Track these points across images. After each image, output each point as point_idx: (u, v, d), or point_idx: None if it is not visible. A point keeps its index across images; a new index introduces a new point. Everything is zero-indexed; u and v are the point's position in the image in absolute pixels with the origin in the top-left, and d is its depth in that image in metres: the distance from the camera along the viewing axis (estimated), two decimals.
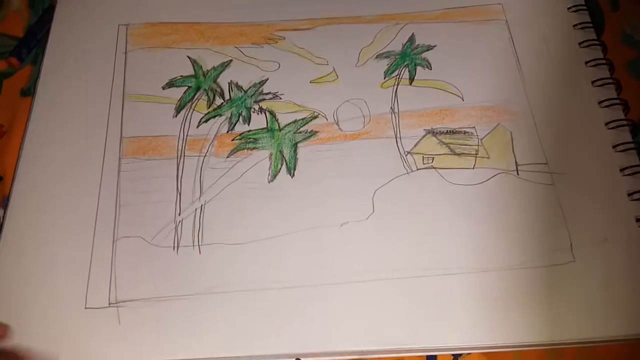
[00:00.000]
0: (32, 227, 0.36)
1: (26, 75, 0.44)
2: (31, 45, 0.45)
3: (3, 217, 0.37)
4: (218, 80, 0.42)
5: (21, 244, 0.36)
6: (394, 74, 0.42)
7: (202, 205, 0.37)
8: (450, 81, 0.41)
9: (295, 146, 0.39)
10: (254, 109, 0.40)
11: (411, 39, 0.43)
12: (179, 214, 0.36)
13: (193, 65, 0.42)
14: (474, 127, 0.40)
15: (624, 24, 0.45)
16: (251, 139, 0.39)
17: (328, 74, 0.42)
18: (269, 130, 0.40)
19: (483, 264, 0.35)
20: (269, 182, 0.37)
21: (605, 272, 0.34)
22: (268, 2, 0.45)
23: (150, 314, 0.33)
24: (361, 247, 0.35)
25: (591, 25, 0.43)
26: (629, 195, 0.37)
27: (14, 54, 0.44)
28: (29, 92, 0.43)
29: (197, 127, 0.39)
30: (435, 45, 0.43)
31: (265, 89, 0.41)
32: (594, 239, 0.35)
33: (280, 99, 0.41)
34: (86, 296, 0.34)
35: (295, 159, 0.38)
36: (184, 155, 0.38)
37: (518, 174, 0.38)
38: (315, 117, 0.40)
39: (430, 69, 0.42)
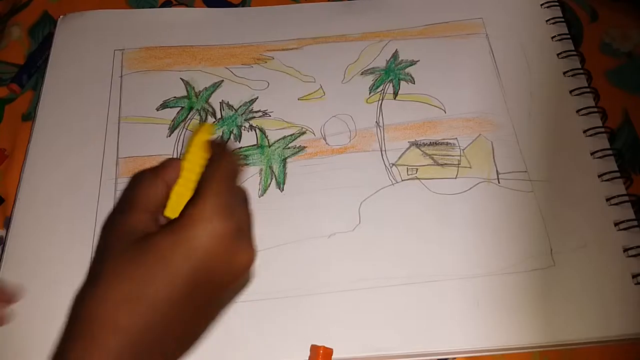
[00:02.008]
0: (33, 247, 0.38)
1: (27, 100, 0.46)
2: (31, 71, 0.47)
3: (5, 237, 0.38)
4: (210, 100, 0.43)
5: (22, 263, 0.37)
6: (378, 89, 0.43)
7: None
8: (433, 94, 0.43)
9: (284, 161, 0.40)
10: (245, 126, 0.42)
11: (395, 55, 0.45)
12: None
13: (186, 87, 0.44)
14: (456, 138, 0.41)
15: (603, 33, 0.47)
16: (242, 156, 0.41)
17: (315, 91, 0.43)
18: (259, 146, 0.41)
19: (466, 270, 0.36)
20: (259, 197, 0.39)
21: (584, 276, 0.36)
22: (257, 23, 0.47)
23: None
24: (349, 257, 0.37)
25: (569, 36, 0.45)
26: (607, 200, 0.38)
27: (15, 80, 0.46)
28: (29, 116, 0.44)
29: None
30: (418, 60, 0.45)
31: (255, 107, 0.43)
32: (574, 243, 0.37)
33: (270, 116, 0.42)
34: None
35: (285, 174, 0.40)
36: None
37: (499, 183, 0.39)
38: (303, 133, 0.42)
39: (414, 83, 0.44)
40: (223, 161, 0.28)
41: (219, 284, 0.27)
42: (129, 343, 0.24)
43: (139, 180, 0.28)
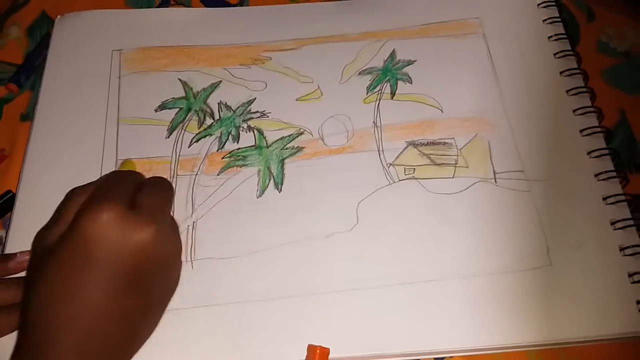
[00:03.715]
0: None
1: (25, 100, 0.46)
2: (29, 71, 0.47)
3: (5, 238, 0.39)
4: (208, 101, 0.43)
5: None
6: (376, 89, 0.44)
7: (194, 222, 0.38)
8: (430, 94, 0.43)
9: (282, 162, 0.41)
10: (243, 127, 0.42)
11: (392, 55, 0.45)
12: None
13: (184, 87, 0.44)
14: (453, 137, 0.41)
15: (600, 33, 0.47)
16: (240, 157, 0.41)
17: (313, 92, 0.44)
18: (257, 147, 0.41)
19: (463, 270, 0.36)
20: (257, 198, 0.39)
21: (581, 275, 0.36)
22: (254, 24, 0.47)
23: None
24: (346, 257, 0.37)
25: (565, 36, 0.45)
26: (604, 199, 0.38)
27: (13, 80, 0.46)
28: (28, 116, 0.45)
29: (189, 147, 0.41)
30: (415, 60, 0.45)
31: (253, 108, 0.43)
32: (570, 242, 0.37)
33: (268, 117, 0.43)
34: None
35: (283, 175, 0.40)
36: (177, 175, 0.40)
37: (496, 182, 0.39)
38: (301, 133, 0.42)
39: (411, 83, 0.44)
40: (115, 171, 0.33)
41: (127, 265, 0.28)
42: (68, 343, 0.27)
43: (70, 196, 0.31)
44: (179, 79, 0.44)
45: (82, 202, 0.29)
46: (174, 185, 0.39)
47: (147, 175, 0.39)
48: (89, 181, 0.39)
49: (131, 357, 0.30)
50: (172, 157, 0.41)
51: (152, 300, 0.31)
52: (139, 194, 0.30)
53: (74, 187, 0.32)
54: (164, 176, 0.40)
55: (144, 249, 0.28)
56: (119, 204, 0.28)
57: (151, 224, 0.28)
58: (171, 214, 0.33)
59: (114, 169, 0.40)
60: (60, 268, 0.27)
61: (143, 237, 0.28)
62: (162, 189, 0.32)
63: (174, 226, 0.32)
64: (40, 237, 0.30)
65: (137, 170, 0.37)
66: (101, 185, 0.30)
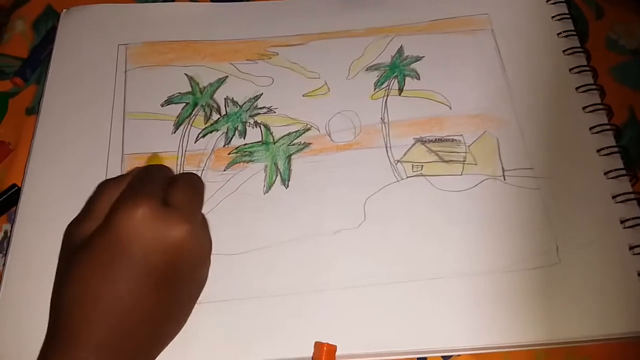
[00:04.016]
0: (39, 242, 0.38)
1: (30, 94, 0.46)
2: (35, 65, 0.47)
3: (10, 232, 0.38)
4: (214, 96, 0.43)
5: (28, 258, 0.37)
6: (383, 85, 0.43)
7: None
8: (439, 91, 0.43)
9: (289, 158, 0.40)
10: (249, 123, 0.42)
11: (400, 51, 0.45)
12: None
13: (190, 83, 0.44)
14: (462, 134, 0.41)
15: (609, 30, 0.47)
16: (247, 152, 0.41)
17: (320, 87, 0.43)
18: (264, 143, 0.41)
19: (471, 267, 0.36)
20: (264, 194, 0.39)
21: (590, 273, 0.36)
22: (261, 19, 0.47)
23: None
24: (354, 254, 0.37)
25: (575, 33, 0.44)
26: (613, 197, 0.38)
27: (18, 74, 0.46)
28: (33, 110, 0.44)
29: (195, 142, 0.41)
30: (423, 56, 0.44)
31: (260, 103, 0.43)
32: (579, 241, 0.37)
33: (275, 112, 0.42)
34: None
35: (289, 170, 0.40)
36: (183, 170, 0.40)
37: (505, 180, 0.39)
38: (308, 129, 0.41)
39: (419, 80, 0.43)
40: (146, 166, 0.32)
41: (160, 263, 0.28)
42: (95, 340, 0.26)
43: (99, 189, 0.30)
44: (185, 73, 0.44)
45: (115, 197, 0.29)
46: None
47: None
48: (94, 175, 0.40)
49: (157, 354, 0.30)
50: (178, 152, 0.41)
51: (181, 298, 0.30)
52: (172, 190, 0.29)
53: (105, 180, 0.31)
54: None
55: (177, 247, 0.28)
56: (154, 201, 0.28)
57: (185, 222, 0.28)
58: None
59: (120, 163, 0.40)
60: (92, 264, 0.27)
61: (177, 235, 0.28)
62: (194, 185, 0.31)
63: (205, 224, 0.32)
64: (71, 231, 0.29)
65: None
66: (134, 181, 0.30)
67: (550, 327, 0.34)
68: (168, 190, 0.29)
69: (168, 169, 0.32)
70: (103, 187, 0.30)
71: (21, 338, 0.35)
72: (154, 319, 0.29)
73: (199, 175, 0.39)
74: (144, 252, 0.27)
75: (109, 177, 0.32)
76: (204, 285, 0.33)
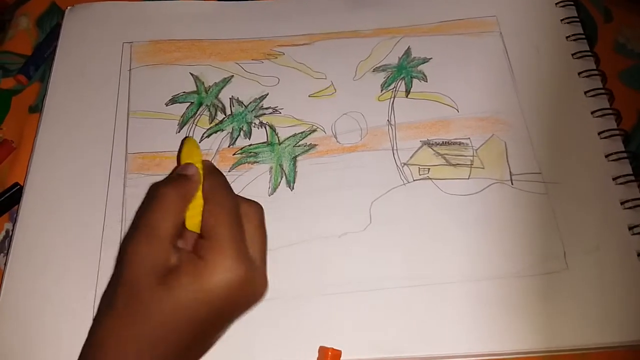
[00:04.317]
0: (40, 241, 0.37)
1: (34, 92, 0.45)
2: (38, 62, 0.46)
3: (12, 231, 0.38)
4: (220, 96, 0.43)
5: (30, 257, 0.37)
6: (390, 87, 0.43)
7: None
8: (446, 93, 0.42)
9: (294, 159, 0.40)
10: (255, 123, 0.42)
11: (407, 52, 0.44)
12: None
13: (195, 82, 0.43)
14: (469, 137, 0.41)
15: (618, 34, 0.46)
16: (252, 153, 0.40)
17: (326, 88, 0.43)
18: (269, 144, 0.41)
19: (478, 272, 0.36)
20: (269, 195, 0.39)
21: (598, 280, 0.35)
22: (267, 18, 0.46)
23: None
24: (359, 258, 0.36)
25: (584, 36, 0.44)
26: (622, 203, 0.38)
27: (22, 71, 0.46)
28: (36, 108, 0.44)
29: (200, 142, 0.41)
30: (430, 58, 0.44)
31: (265, 103, 0.42)
32: (587, 247, 0.36)
33: (280, 113, 0.42)
34: (94, 308, 0.35)
35: (295, 172, 0.39)
36: None
37: (512, 184, 0.39)
38: (314, 130, 0.41)
39: (426, 81, 0.43)
40: (222, 190, 0.30)
41: (233, 318, 0.29)
42: None
43: (163, 204, 0.28)
44: (190, 73, 0.44)
45: (181, 213, 0.28)
46: None
47: (159, 169, 0.39)
48: (98, 175, 0.39)
49: None
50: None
51: (224, 332, 0.30)
52: (249, 236, 0.29)
53: (157, 184, 0.30)
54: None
55: (250, 305, 0.29)
56: (249, 261, 0.28)
57: (266, 283, 0.29)
58: None
59: (124, 162, 0.40)
60: (177, 311, 0.26)
61: (259, 296, 0.29)
62: (264, 226, 0.31)
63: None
64: (141, 253, 0.27)
65: (138, 167, 0.37)
66: (231, 236, 0.28)
67: (557, 333, 0.34)
68: (245, 231, 0.29)
69: (231, 189, 0.31)
70: (164, 199, 0.28)
71: (23, 337, 0.35)
72: (194, 355, 0.29)
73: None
74: (225, 310, 0.28)
75: (159, 180, 0.30)
76: None
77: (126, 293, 0.27)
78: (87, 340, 0.29)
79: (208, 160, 0.32)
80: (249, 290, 0.28)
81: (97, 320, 0.29)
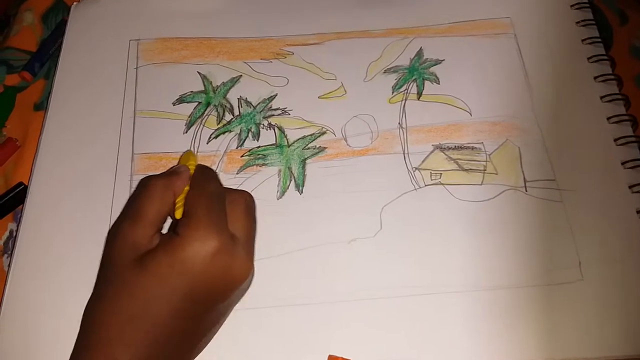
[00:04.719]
0: (45, 242, 0.37)
1: (39, 89, 0.44)
2: (43, 59, 0.45)
3: (16, 231, 0.37)
4: (228, 96, 0.42)
5: (34, 258, 0.36)
6: (402, 89, 0.42)
7: None
8: (459, 96, 0.42)
9: (303, 162, 0.39)
10: (263, 124, 0.41)
11: (419, 53, 0.43)
12: None
13: (203, 81, 0.43)
14: (482, 142, 0.40)
15: (633, 37, 0.45)
16: (260, 155, 0.39)
17: (336, 89, 0.42)
18: (278, 146, 0.40)
19: (490, 281, 0.35)
20: (277, 199, 0.38)
21: (614, 291, 0.34)
22: (277, 17, 0.45)
23: None
24: (369, 265, 0.35)
25: (600, 40, 0.43)
26: (638, 212, 0.37)
27: (26, 68, 0.45)
28: (41, 106, 0.43)
29: (207, 143, 0.40)
30: (443, 60, 0.43)
31: (274, 104, 0.42)
32: (603, 257, 0.35)
33: (289, 114, 0.41)
34: None
35: (304, 176, 0.39)
36: None
37: (526, 191, 0.38)
38: (324, 133, 0.40)
39: (439, 84, 0.42)
40: (207, 180, 0.30)
41: (216, 295, 0.28)
42: (134, 356, 0.26)
43: (150, 191, 0.29)
44: (198, 72, 0.43)
45: (168, 201, 0.29)
46: None
47: (163, 170, 0.39)
48: (103, 174, 0.39)
49: None
50: None
51: (218, 324, 0.31)
52: (233, 217, 0.29)
53: (149, 177, 0.30)
54: None
55: (236, 283, 0.29)
56: (226, 235, 0.28)
57: (248, 261, 0.29)
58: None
59: (130, 162, 0.39)
60: (155, 287, 0.27)
61: (240, 274, 0.28)
62: (252, 211, 0.31)
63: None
64: (123, 236, 0.28)
65: (145, 168, 0.37)
66: (201, 201, 0.29)
67: (571, 346, 0.33)
68: (229, 215, 0.29)
69: (219, 181, 0.32)
70: (153, 188, 0.29)
71: (27, 338, 0.34)
72: (190, 342, 0.29)
73: None
74: (206, 284, 0.27)
75: (152, 174, 0.31)
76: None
77: (108, 274, 0.28)
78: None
79: (203, 164, 0.33)
80: (228, 262, 0.28)
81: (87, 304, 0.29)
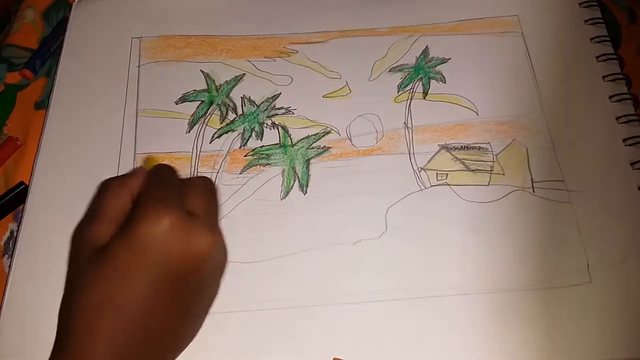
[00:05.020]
0: (46, 242, 0.36)
1: (40, 87, 0.44)
2: (45, 57, 0.45)
3: (17, 231, 0.37)
4: (231, 94, 0.41)
5: (35, 258, 0.36)
6: (407, 88, 0.41)
7: None
8: (465, 95, 0.41)
9: (307, 162, 0.39)
10: (267, 124, 0.40)
11: (425, 52, 0.43)
12: None
13: (206, 80, 0.42)
14: (489, 142, 0.39)
15: None
16: (264, 155, 0.39)
17: (341, 88, 0.42)
18: (282, 146, 0.39)
19: (497, 283, 0.34)
20: (281, 199, 0.37)
21: (623, 293, 0.34)
22: (281, 14, 0.45)
23: None
24: (374, 266, 0.35)
25: (608, 38, 0.42)
26: None
27: (27, 66, 0.44)
28: (42, 104, 0.43)
29: (210, 142, 0.39)
30: (449, 58, 0.43)
31: (278, 103, 0.41)
32: (612, 258, 0.35)
33: (293, 114, 0.41)
34: None
35: (308, 176, 0.38)
36: (197, 172, 0.38)
37: (534, 192, 0.37)
38: (328, 132, 0.40)
39: (445, 83, 0.42)
40: (158, 171, 0.31)
41: (184, 272, 0.28)
42: (111, 348, 0.26)
43: (105, 190, 0.30)
44: (201, 70, 0.42)
45: (125, 199, 0.29)
46: None
47: None
48: (105, 174, 0.38)
49: None
50: (192, 152, 0.39)
51: (197, 308, 0.30)
52: (190, 197, 0.29)
53: (107, 179, 0.30)
54: (184, 172, 0.38)
55: (201, 258, 0.28)
56: (178, 210, 0.27)
57: (209, 232, 0.28)
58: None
59: (132, 162, 0.39)
60: (112, 272, 0.27)
61: (202, 246, 0.27)
62: (211, 191, 0.31)
63: (222, 233, 0.31)
64: (83, 235, 0.29)
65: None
66: (150, 186, 0.29)
67: (581, 348, 0.33)
68: (186, 196, 0.29)
69: (176, 171, 0.32)
70: (108, 187, 0.30)
71: (28, 339, 0.34)
72: (169, 328, 0.28)
73: (213, 178, 0.38)
74: (168, 262, 0.27)
75: (110, 177, 0.31)
76: (217, 295, 0.32)
77: (71, 271, 0.29)
78: None
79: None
80: (186, 237, 0.27)
81: None
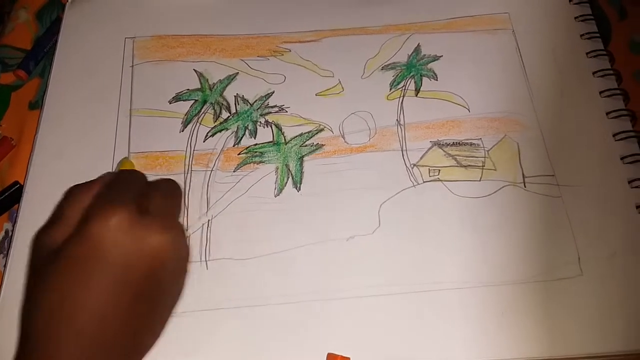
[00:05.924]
0: None
1: (34, 87, 0.44)
2: (39, 57, 0.45)
3: (12, 232, 0.37)
4: (224, 93, 0.42)
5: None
6: (399, 86, 0.42)
7: (209, 220, 0.37)
8: (457, 92, 0.41)
9: (301, 160, 0.39)
10: (260, 122, 0.40)
11: (417, 50, 0.43)
12: (187, 229, 0.36)
13: (199, 79, 0.42)
14: (481, 138, 0.39)
15: (633, 32, 0.45)
16: (257, 153, 0.39)
17: (334, 86, 0.42)
18: (275, 143, 0.40)
19: (489, 277, 0.35)
20: (275, 196, 0.38)
21: (614, 286, 0.34)
22: (273, 14, 0.45)
23: None
24: (367, 262, 0.35)
25: (598, 35, 0.43)
26: (638, 207, 0.37)
27: (21, 66, 0.44)
28: (37, 105, 0.43)
29: (204, 141, 0.40)
30: (441, 56, 0.43)
31: (271, 102, 0.41)
32: (603, 252, 0.35)
33: (286, 112, 0.41)
34: None
35: (302, 173, 0.38)
36: (191, 170, 0.38)
37: (525, 187, 0.38)
38: (321, 130, 0.40)
39: (437, 80, 0.42)
40: (119, 172, 0.31)
41: (140, 271, 0.27)
42: (79, 350, 0.25)
43: (68, 195, 0.30)
44: (194, 69, 0.43)
45: (87, 203, 0.28)
46: (188, 181, 0.38)
47: (162, 169, 0.38)
48: (100, 174, 0.38)
49: None
50: (186, 151, 0.39)
51: (158, 307, 0.30)
52: (148, 197, 0.29)
53: (74, 185, 0.30)
54: (179, 171, 0.38)
55: (156, 256, 0.27)
56: (128, 208, 0.27)
57: (163, 230, 0.28)
58: (181, 217, 0.32)
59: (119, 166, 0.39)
60: (67, 274, 0.26)
61: (155, 243, 0.27)
62: (172, 191, 0.31)
63: (183, 232, 0.31)
64: (41, 239, 0.28)
65: (141, 167, 0.36)
66: (106, 188, 0.29)
67: (573, 341, 0.33)
68: (144, 197, 0.29)
69: (142, 175, 0.32)
70: (72, 192, 0.30)
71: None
72: (131, 329, 0.28)
73: (207, 176, 0.38)
74: (121, 261, 0.27)
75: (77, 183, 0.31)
76: (181, 294, 0.32)
77: (29, 275, 0.29)
78: None
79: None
80: (139, 234, 0.27)
81: None
